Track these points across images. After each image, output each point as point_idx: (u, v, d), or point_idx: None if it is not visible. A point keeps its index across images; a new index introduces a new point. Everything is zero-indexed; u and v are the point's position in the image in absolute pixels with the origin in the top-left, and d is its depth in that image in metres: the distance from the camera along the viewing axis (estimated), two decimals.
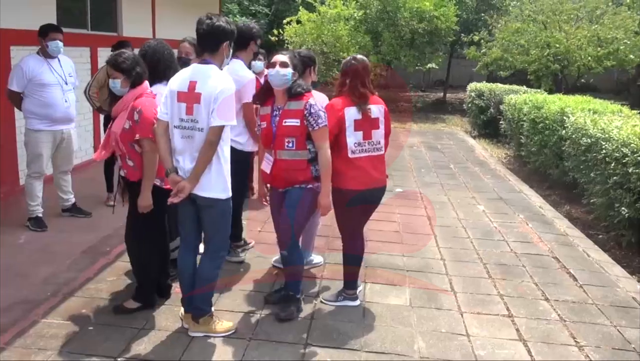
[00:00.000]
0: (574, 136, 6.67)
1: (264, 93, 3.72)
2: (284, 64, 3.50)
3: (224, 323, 3.52)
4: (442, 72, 21.57)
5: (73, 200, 5.56)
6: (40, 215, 5.20)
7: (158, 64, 3.73)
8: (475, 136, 12.94)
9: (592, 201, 6.20)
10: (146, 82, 3.58)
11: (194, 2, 11.23)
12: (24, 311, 3.63)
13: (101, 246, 4.78)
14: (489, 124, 12.15)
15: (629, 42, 13.73)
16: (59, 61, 5.21)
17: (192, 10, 10.08)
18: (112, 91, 3.55)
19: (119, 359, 3.17)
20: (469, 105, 13.56)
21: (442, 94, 20.62)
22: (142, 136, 3.38)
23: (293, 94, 3.54)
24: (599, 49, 14.06)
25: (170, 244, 3.97)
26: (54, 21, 6.20)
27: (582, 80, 16.09)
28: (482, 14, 17.95)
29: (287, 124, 3.51)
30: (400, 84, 21.39)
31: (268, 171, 3.66)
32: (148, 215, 3.50)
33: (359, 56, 3.89)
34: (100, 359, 3.15)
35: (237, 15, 18.68)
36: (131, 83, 3.50)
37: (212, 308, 3.54)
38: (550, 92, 11.68)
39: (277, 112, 3.58)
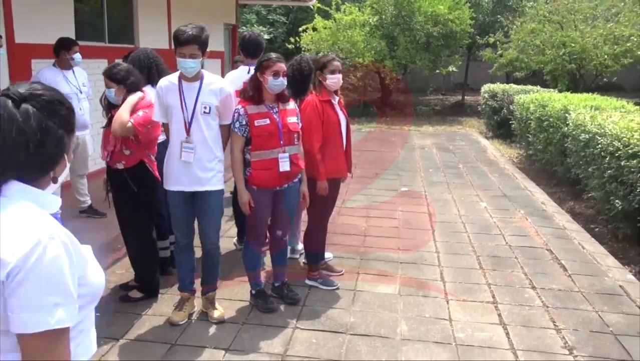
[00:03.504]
0: (574, 133, 6.77)
1: (258, 92, 3.68)
2: (284, 74, 3.69)
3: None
4: (462, 75, 21.61)
5: (89, 202, 5.91)
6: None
7: (151, 69, 4.15)
8: (489, 137, 13.00)
9: (591, 195, 6.30)
10: (144, 90, 3.89)
11: (210, 13, 11.62)
12: None
13: (113, 243, 5.10)
14: (503, 125, 12.16)
15: None
16: (73, 72, 5.58)
17: (209, 21, 10.44)
18: (108, 99, 3.91)
19: (121, 340, 3.46)
20: (483, 106, 13.65)
21: (461, 97, 20.66)
22: (135, 123, 3.63)
23: (287, 97, 3.79)
24: (615, 47, 14.01)
25: (166, 240, 4.31)
26: (72, 35, 6.59)
27: (605, 79, 15.94)
28: (499, 16, 17.97)
29: (291, 121, 3.75)
30: (418, 88, 21.54)
31: (289, 169, 3.69)
32: (135, 205, 3.83)
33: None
34: (104, 340, 3.44)
35: (255, 25, 19.06)
36: (127, 91, 3.82)
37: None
38: (567, 91, 11.66)
39: (274, 111, 3.69)
